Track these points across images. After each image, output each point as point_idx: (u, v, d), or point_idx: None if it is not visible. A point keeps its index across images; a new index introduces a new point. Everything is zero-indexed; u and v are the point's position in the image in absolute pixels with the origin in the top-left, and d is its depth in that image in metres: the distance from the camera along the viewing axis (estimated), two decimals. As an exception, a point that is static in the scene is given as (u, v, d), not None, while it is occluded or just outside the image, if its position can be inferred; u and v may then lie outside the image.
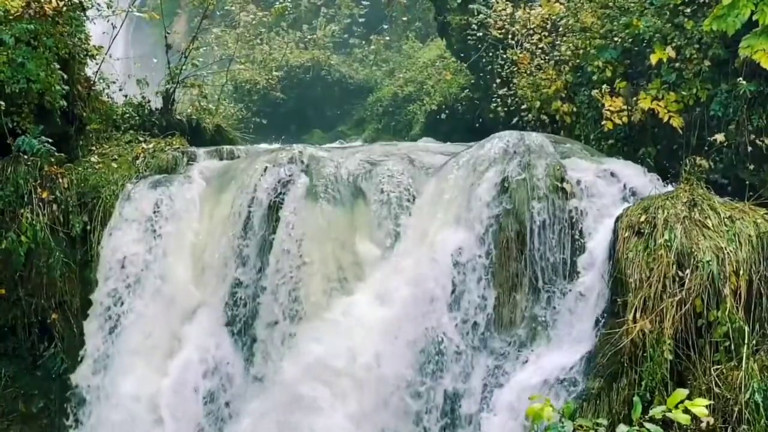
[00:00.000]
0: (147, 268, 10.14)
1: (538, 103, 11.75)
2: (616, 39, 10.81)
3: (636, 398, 5.21)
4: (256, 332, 9.93)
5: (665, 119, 9.97)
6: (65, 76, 10.65)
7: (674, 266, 8.21)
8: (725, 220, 8.52)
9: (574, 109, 11.31)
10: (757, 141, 9.43)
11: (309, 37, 21.88)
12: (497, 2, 13.62)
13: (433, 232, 9.44)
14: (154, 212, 10.31)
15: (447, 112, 16.78)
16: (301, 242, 9.78)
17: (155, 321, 9.99)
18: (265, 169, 10.28)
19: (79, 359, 10.16)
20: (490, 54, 13.70)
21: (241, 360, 9.94)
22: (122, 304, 10.11)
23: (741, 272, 8.17)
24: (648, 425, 4.88)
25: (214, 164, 11.15)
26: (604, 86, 10.53)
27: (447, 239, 9.35)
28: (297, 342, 9.58)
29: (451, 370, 9.14)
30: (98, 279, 10.26)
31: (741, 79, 9.34)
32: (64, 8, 10.60)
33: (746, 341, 7.96)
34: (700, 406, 4.74)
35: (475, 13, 14.01)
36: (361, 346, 9.29)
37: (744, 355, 7.93)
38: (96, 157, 11.14)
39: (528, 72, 12.18)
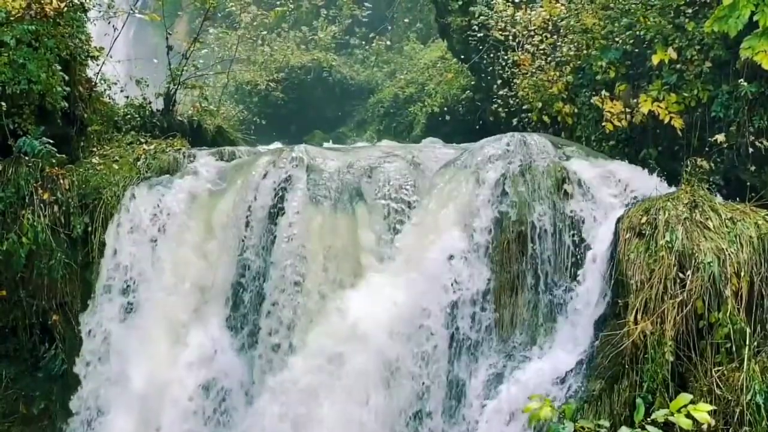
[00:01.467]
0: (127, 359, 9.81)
1: (539, 105, 11.74)
2: (617, 40, 10.81)
3: (639, 400, 5.20)
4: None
5: (666, 120, 9.96)
6: (66, 78, 10.62)
7: (675, 267, 8.21)
8: (726, 221, 8.51)
9: (576, 111, 11.31)
10: (758, 142, 9.43)
11: (310, 38, 21.85)
12: (498, 3, 13.61)
13: (431, 243, 9.33)
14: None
15: (448, 113, 16.76)
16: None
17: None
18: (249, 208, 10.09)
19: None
20: (492, 55, 13.68)
21: None
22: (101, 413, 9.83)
23: (742, 274, 8.17)
24: (649, 428, 4.88)
25: (206, 180, 10.69)
26: (604, 91, 10.55)
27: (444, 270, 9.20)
28: None
29: None
30: (78, 374, 10.01)
31: (742, 80, 9.34)
32: (65, 9, 10.59)
33: (747, 343, 7.96)
34: (703, 412, 4.73)
35: (476, 15, 13.99)
36: None
37: (745, 356, 7.92)
38: (97, 158, 11.11)
39: (529, 73, 12.16)
